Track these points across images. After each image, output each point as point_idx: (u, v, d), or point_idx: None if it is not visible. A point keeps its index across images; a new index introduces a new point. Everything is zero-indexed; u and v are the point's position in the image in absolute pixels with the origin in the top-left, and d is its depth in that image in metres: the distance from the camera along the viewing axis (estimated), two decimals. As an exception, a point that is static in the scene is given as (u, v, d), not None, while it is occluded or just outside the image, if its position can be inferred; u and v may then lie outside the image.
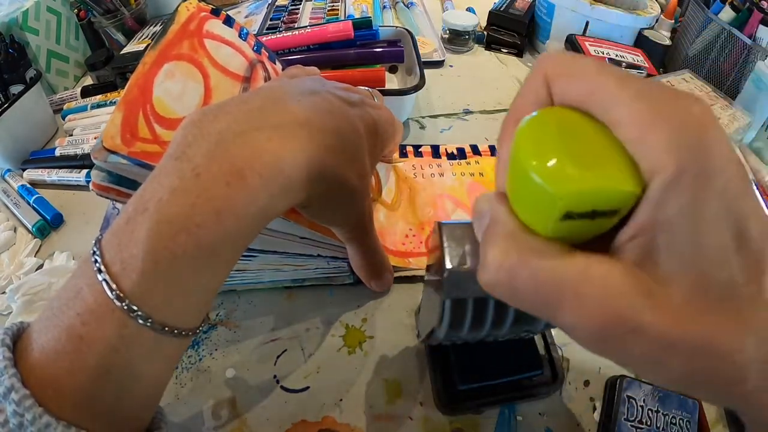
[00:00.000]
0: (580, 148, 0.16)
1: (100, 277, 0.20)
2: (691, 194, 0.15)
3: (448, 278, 0.22)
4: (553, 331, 0.37)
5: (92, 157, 0.27)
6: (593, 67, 0.17)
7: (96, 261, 0.21)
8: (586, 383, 0.35)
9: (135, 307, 0.20)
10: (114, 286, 0.20)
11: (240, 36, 0.37)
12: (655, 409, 0.33)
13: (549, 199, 0.16)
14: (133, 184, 0.29)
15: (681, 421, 0.33)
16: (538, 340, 0.36)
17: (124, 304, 0.20)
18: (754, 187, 0.16)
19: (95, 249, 0.21)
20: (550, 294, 0.16)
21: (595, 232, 0.17)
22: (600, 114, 0.16)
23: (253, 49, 0.38)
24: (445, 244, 0.22)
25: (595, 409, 0.34)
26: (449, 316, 0.24)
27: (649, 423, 0.32)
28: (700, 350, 0.15)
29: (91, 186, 0.29)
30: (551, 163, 0.16)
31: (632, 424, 0.32)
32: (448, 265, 0.22)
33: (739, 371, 0.15)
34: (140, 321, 0.20)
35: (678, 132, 0.15)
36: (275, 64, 0.41)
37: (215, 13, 0.37)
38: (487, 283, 0.18)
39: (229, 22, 0.37)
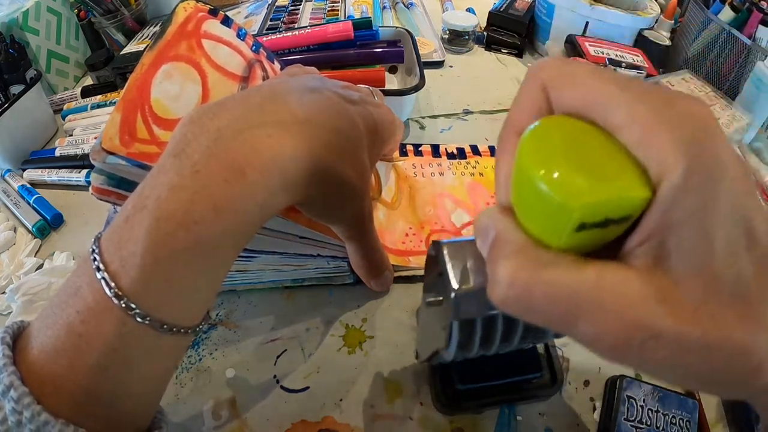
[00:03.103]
0: (588, 156, 0.16)
1: (98, 275, 0.20)
2: (700, 196, 0.15)
3: (456, 299, 0.21)
4: (553, 331, 0.37)
5: (91, 159, 0.27)
6: (591, 72, 0.17)
7: (95, 259, 0.21)
8: (586, 383, 0.35)
9: (133, 305, 0.20)
10: (113, 284, 0.20)
11: (238, 36, 0.37)
12: (655, 409, 0.33)
13: (562, 211, 0.15)
14: (133, 187, 0.29)
15: (681, 421, 0.32)
16: (538, 340, 0.36)
17: (122, 302, 0.20)
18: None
19: (94, 247, 0.21)
20: (566, 307, 0.16)
21: (606, 239, 0.17)
22: (602, 119, 0.16)
23: (251, 48, 0.38)
24: (448, 264, 0.21)
25: (595, 409, 0.34)
26: (457, 337, 0.23)
27: (649, 423, 0.32)
28: (718, 349, 0.15)
29: (90, 189, 0.29)
30: (561, 174, 0.16)
31: (632, 424, 0.32)
32: (454, 285, 0.21)
33: (755, 366, 0.16)
34: (138, 319, 0.20)
35: (681, 132, 0.15)
36: (273, 63, 0.41)
37: (213, 13, 0.37)
38: (500, 300, 0.17)
39: (227, 22, 0.37)
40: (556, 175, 0.16)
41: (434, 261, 0.24)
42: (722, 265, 0.15)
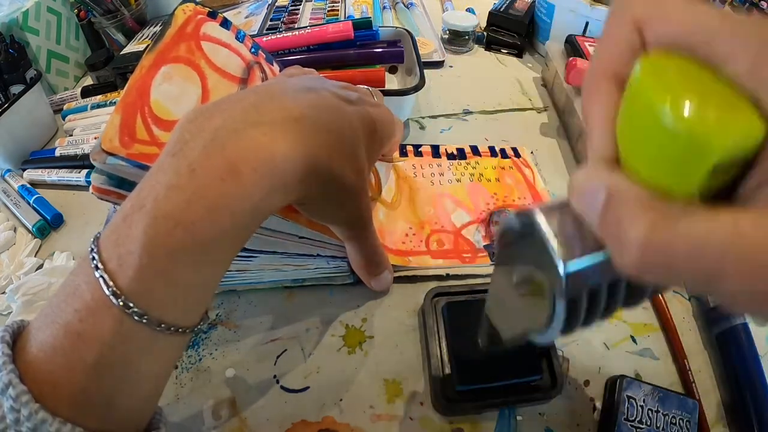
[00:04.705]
0: (708, 91, 0.14)
1: (97, 274, 0.20)
2: None
3: (566, 275, 0.18)
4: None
5: (91, 160, 0.28)
6: (685, 3, 0.16)
7: (93, 258, 0.21)
8: (586, 383, 0.35)
9: (131, 304, 0.20)
10: (111, 283, 0.20)
11: (237, 38, 0.38)
12: (655, 409, 0.33)
13: (699, 150, 0.14)
14: (133, 187, 0.29)
15: (681, 421, 0.32)
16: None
17: (120, 300, 0.20)
18: None
19: (93, 246, 0.21)
20: (710, 261, 0.14)
21: (719, 186, 0.15)
22: (704, 51, 0.15)
23: (250, 50, 0.38)
24: (548, 234, 0.18)
25: (595, 409, 0.34)
26: (563, 317, 0.19)
27: (649, 423, 0.32)
28: None
29: (91, 189, 0.29)
30: (693, 108, 0.14)
31: (632, 424, 0.32)
32: (562, 259, 0.18)
33: None
34: (136, 318, 0.20)
35: None
36: (272, 65, 0.41)
37: (212, 15, 0.37)
38: (635, 266, 0.15)
39: (225, 24, 0.37)
40: (687, 110, 0.14)
41: (516, 234, 0.21)
42: None
